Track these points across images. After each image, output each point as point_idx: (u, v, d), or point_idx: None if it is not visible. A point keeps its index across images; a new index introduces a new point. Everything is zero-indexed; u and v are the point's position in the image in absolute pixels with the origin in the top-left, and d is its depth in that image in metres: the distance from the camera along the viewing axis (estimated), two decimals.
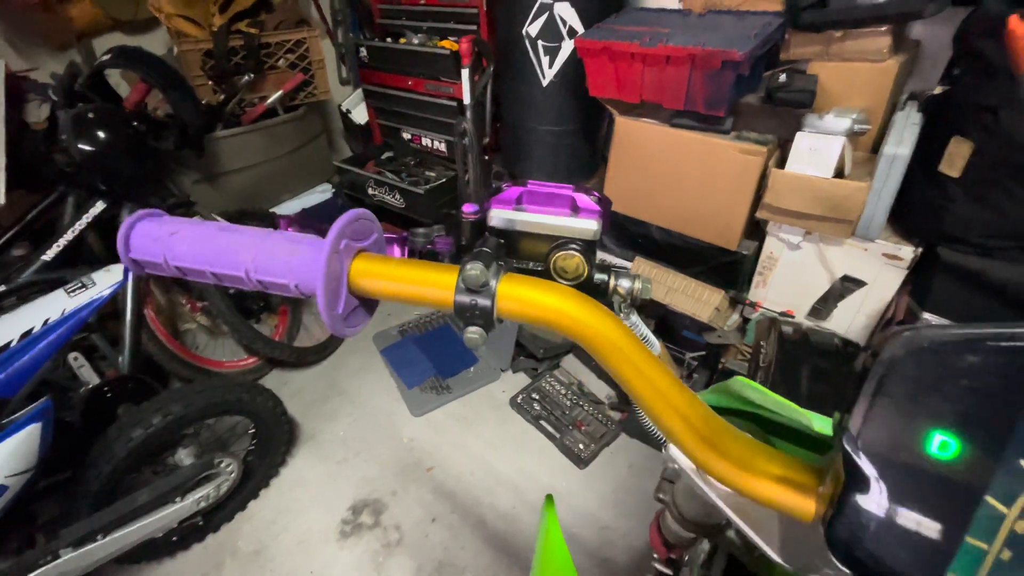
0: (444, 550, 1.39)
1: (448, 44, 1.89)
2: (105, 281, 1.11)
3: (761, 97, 1.44)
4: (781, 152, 1.39)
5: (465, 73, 1.78)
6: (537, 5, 1.58)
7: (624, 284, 0.36)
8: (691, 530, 0.54)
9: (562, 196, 0.34)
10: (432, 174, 2.20)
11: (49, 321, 0.99)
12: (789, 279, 1.48)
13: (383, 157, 2.39)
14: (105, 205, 1.47)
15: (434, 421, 1.76)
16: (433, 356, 1.96)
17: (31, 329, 0.96)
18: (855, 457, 0.22)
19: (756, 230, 1.52)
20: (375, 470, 1.60)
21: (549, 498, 0.64)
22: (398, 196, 2.14)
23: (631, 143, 1.57)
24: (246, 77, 2.03)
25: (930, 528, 0.21)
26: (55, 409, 1.00)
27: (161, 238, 0.33)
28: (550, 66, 1.67)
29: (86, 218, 1.45)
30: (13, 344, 0.93)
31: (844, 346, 1.33)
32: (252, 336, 1.73)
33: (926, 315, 1.22)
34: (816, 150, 1.25)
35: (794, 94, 1.31)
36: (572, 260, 0.35)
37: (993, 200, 1.11)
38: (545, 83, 1.71)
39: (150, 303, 1.67)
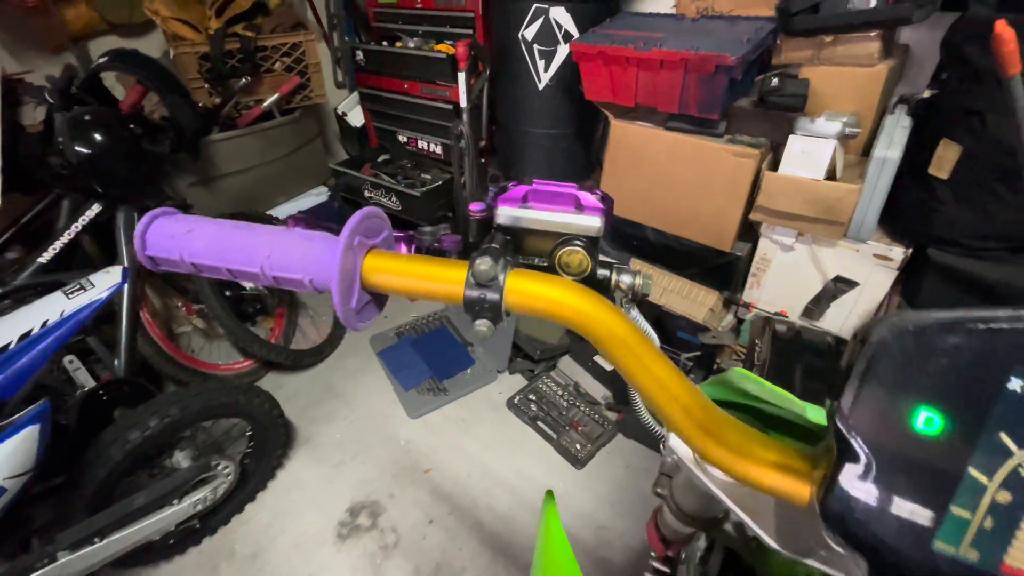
0: (442, 552, 1.40)
1: (444, 48, 1.90)
2: (104, 283, 1.11)
3: (754, 101, 1.46)
4: (774, 155, 1.41)
5: (462, 77, 1.79)
6: (533, 9, 1.60)
7: (625, 279, 0.37)
8: (689, 524, 0.55)
9: (566, 194, 0.35)
10: (428, 177, 2.21)
11: (48, 323, 0.99)
12: (782, 280, 1.50)
13: (379, 160, 2.40)
14: (101, 208, 1.47)
15: (431, 423, 1.76)
16: (430, 358, 1.97)
17: (30, 331, 0.96)
18: (846, 434, 0.23)
19: (750, 232, 1.53)
20: (372, 472, 1.60)
21: (549, 494, 0.65)
22: (394, 199, 2.15)
23: (626, 146, 1.59)
24: (242, 80, 2.03)
25: (917, 499, 0.22)
26: (52, 411, 0.99)
27: (177, 236, 0.34)
28: (546, 70, 1.69)
29: (82, 221, 1.45)
30: (12, 346, 0.93)
31: (837, 344, 1.35)
32: (248, 339, 1.73)
33: None
34: (808, 153, 1.27)
35: (786, 98, 1.33)
36: (576, 256, 0.36)
37: (980, 202, 1.13)
38: (541, 87, 1.72)
39: (145, 306, 1.66)
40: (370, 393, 1.88)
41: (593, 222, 0.35)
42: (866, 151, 1.37)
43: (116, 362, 1.43)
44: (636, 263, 1.74)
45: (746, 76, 1.36)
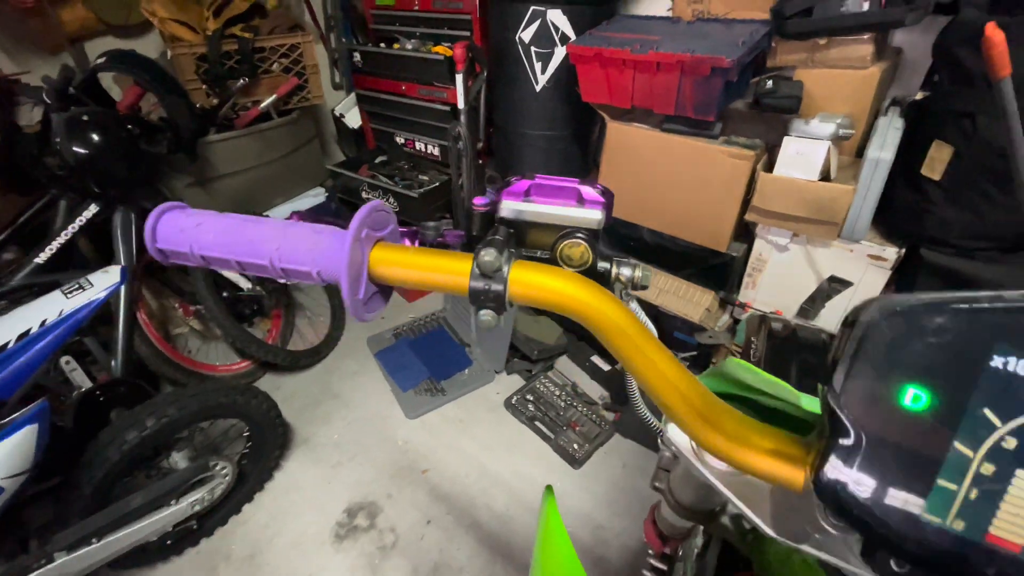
0: (440, 552, 1.40)
1: (442, 49, 1.91)
2: (102, 283, 1.11)
3: (749, 103, 1.48)
4: (769, 156, 1.43)
5: (459, 78, 1.80)
6: (530, 12, 1.61)
7: (625, 272, 0.38)
8: (687, 518, 0.56)
9: (568, 188, 0.36)
10: (426, 178, 2.21)
11: (47, 322, 0.99)
12: (778, 280, 1.51)
13: (376, 161, 2.40)
14: (98, 208, 1.46)
15: (429, 423, 1.76)
16: (427, 359, 1.97)
17: (28, 330, 0.96)
18: (839, 412, 0.24)
19: (745, 232, 1.55)
20: (370, 473, 1.60)
21: (549, 489, 0.65)
22: (392, 200, 2.15)
23: (623, 147, 1.60)
24: (240, 81, 2.04)
25: (906, 473, 0.23)
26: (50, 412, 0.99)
27: (187, 229, 0.35)
28: (543, 72, 1.70)
29: (79, 221, 1.45)
30: (10, 345, 0.93)
31: (831, 341, 1.36)
32: (245, 339, 1.73)
33: None
34: (803, 154, 1.29)
35: (781, 100, 1.35)
36: (578, 248, 0.37)
37: (972, 203, 1.15)
38: (538, 88, 1.73)
39: (142, 307, 1.66)
40: (368, 394, 1.88)
41: (594, 215, 0.36)
42: (859, 152, 1.39)
43: (113, 363, 1.42)
44: None
45: (741, 78, 1.38)
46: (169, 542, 1.35)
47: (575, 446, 1.64)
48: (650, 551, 0.68)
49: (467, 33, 1.93)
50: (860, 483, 0.24)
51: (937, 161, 1.17)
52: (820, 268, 1.42)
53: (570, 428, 1.70)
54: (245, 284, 1.81)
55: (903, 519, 0.23)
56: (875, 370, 0.24)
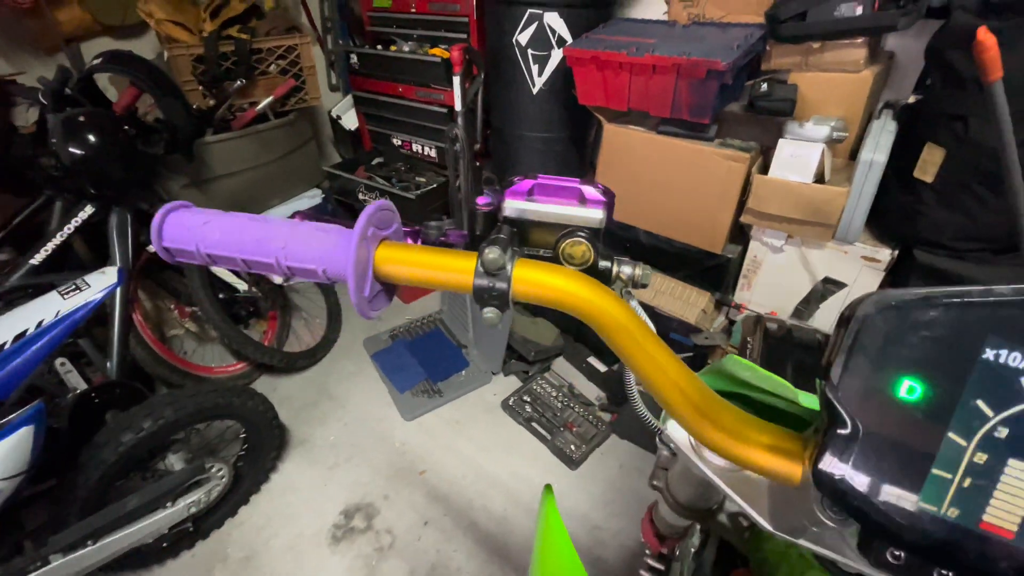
0: (437, 553, 1.40)
1: (439, 52, 1.92)
2: (99, 283, 1.10)
3: (744, 106, 1.49)
4: (763, 159, 1.44)
5: (456, 80, 1.80)
6: (527, 14, 1.62)
7: (626, 270, 0.39)
8: (685, 516, 0.56)
9: (570, 188, 0.37)
10: (423, 180, 2.21)
11: (43, 323, 0.98)
12: (773, 281, 1.52)
13: (373, 163, 2.40)
14: (94, 209, 1.46)
15: (426, 425, 1.76)
16: (424, 360, 1.97)
17: (25, 331, 0.96)
18: (836, 403, 0.25)
19: (740, 234, 1.56)
20: (367, 474, 1.60)
21: (548, 488, 0.65)
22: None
23: (619, 150, 1.61)
24: (236, 83, 2.03)
25: (902, 462, 0.24)
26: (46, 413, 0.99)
27: (193, 227, 0.35)
28: (540, 74, 1.71)
29: (74, 222, 1.44)
30: (7, 346, 0.93)
31: (826, 341, 1.37)
32: (241, 341, 1.73)
33: None
34: (797, 156, 1.30)
35: (775, 103, 1.36)
36: (579, 247, 0.37)
37: (964, 205, 1.16)
38: (535, 91, 1.74)
39: (138, 308, 1.66)
40: (364, 395, 1.88)
41: (596, 214, 0.37)
42: (853, 155, 1.40)
43: (108, 364, 1.42)
44: None
45: (736, 81, 1.39)
46: (165, 544, 1.34)
47: (572, 447, 1.64)
48: (647, 551, 0.68)
49: (464, 35, 1.94)
50: (857, 473, 0.24)
51: (929, 164, 1.18)
52: (815, 269, 1.43)
53: (567, 429, 1.70)
54: (241, 285, 1.80)
55: (899, 508, 0.24)
56: (871, 363, 0.24)
